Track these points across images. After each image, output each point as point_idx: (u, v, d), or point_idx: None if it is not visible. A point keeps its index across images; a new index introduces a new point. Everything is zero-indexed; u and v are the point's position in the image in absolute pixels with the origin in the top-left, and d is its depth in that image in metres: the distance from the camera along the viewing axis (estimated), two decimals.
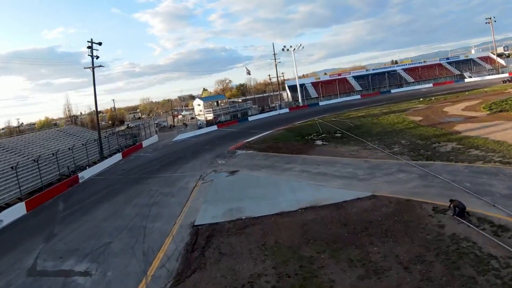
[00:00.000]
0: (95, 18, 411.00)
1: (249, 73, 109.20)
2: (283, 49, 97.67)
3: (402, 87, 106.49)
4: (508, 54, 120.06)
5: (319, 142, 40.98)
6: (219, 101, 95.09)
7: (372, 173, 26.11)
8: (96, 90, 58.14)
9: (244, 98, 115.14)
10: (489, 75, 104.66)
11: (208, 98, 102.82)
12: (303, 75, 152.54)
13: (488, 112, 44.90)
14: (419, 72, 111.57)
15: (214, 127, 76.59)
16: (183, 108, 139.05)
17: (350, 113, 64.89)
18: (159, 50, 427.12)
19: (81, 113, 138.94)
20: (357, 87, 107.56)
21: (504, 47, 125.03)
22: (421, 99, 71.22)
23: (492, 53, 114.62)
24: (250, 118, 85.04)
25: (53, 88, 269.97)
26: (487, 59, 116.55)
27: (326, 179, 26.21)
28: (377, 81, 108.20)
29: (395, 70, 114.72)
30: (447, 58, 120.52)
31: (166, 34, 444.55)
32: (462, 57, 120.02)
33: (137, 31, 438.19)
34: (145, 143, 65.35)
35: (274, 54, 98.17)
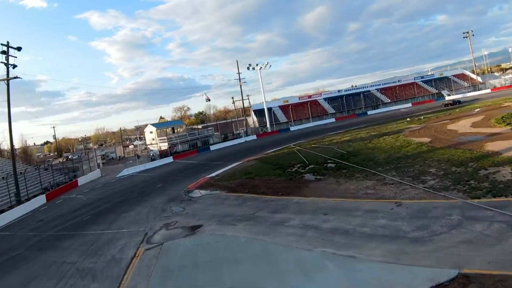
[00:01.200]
0: (51, 45, 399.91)
1: (208, 99, 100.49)
2: (248, 68, 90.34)
3: (378, 108, 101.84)
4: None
5: (310, 177, 31.60)
6: (176, 128, 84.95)
7: (425, 226, 16.71)
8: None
9: (205, 124, 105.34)
10: (468, 92, 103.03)
11: (162, 125, 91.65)
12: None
13: (508, 127, 38.76)
14: (396, 92, 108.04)
15: (170, 159, 66.97)
16: (137, 137, 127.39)
17: (331, 138, 57.12)
18: (116, 79, 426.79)
19: (34, 143, 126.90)
20: (330, 109, 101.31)
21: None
22: (408, 119, 65.75)
23: (472, 71, 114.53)
24: (212, 147, 75.91)
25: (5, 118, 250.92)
26: (462, 77, 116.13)
27: (354, 243, 16.52)
28: (351, 103, 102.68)
29: (369, 91, 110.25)
30: (422, 77, 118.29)
31: (124, 63, 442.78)
32: (437, 75, 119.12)
33: (94, 59, 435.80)
34: (82, 180, 54.66)
35: (239, 73, 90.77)
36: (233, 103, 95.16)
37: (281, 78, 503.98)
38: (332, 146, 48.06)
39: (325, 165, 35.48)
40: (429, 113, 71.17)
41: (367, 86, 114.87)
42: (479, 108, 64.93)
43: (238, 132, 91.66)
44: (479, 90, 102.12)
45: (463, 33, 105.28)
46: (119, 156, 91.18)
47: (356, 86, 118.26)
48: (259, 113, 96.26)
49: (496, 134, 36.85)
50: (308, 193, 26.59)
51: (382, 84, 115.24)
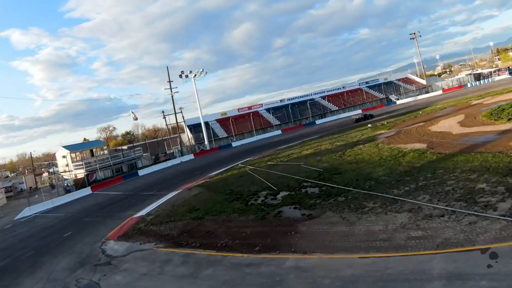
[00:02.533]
0: None
1: (135, 118, 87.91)
2: (180, 76, 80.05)
3: (326, 116, 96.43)
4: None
5: (292, 212, 21.64)
6: (95, 150, 71.56)
7: None
8: None
9: (131, 145, 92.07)
10: (418, 95, 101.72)
11: (78, 146, 75.76)
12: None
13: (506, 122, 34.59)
14: (344, 98, 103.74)
15: (87, 190, 54.51)
16: (50, 163, 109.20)
17: (288, 153, 48.60)
18: (40, 101, 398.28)
19: None
20: (274, 121, 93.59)
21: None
22: (369, 125, 59.71)
23: (416, 75, 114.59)
24: (141, 172, 64.47)
25: None
26: (406, 81, 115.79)
27: None
28: (297, 112, 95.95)
29: (313, 99, 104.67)
30: (367, 82, 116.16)
31: (48, 83, 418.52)
32: (381, 80, 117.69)
33: (16, 80, 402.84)
34: None
35: (170, 81, 79.70)
36: (164, 117, 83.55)
37: (210, 95, 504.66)
38: (294, 162, 39.13)
39: (303, 190, 26.11)
40: (389, 117, 66.63)
41: (311, 94, 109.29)
42: (443, 108, 61.53)
43: (171, 151, 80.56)
44: (429, 92, 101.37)
45: (410, 34, 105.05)
46: (30, 187, 75.78)
47: (299, 95, 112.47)
48: (195, 128, 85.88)
49: (509, 131, 30.78)
50: (305, 244, 16.53)
51: (327, 92, 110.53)
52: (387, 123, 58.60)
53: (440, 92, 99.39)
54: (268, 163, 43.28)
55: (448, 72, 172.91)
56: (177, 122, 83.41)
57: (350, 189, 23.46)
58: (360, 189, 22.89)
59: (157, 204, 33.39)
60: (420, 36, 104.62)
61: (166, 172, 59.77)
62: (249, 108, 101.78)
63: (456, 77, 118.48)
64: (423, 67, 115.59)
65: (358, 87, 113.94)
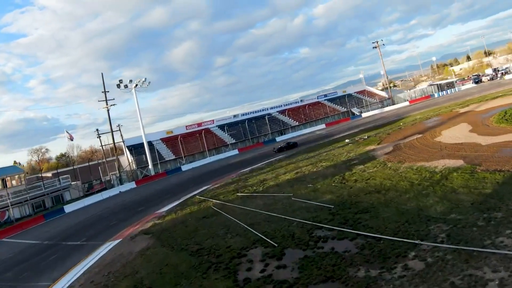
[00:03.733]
0: None
1: (71, 138, 73.54)
2: (118, 85, 67.96)
3: (286, 133, 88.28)
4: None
5: None
6: (8, 180, 57.54)
7: None
8: None
9: (56, 171, 76.44)
10: (383, 107, 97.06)
11: None
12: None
13: None
14: (304, 113, 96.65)
15: None
16: None
17: (259, 178, 39.13)
18: None
19: None
20: (228, 139, 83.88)
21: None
22: (347, 140, 52.57)
23: (383, 88, 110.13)
24: (68, 208, 51.27)
25: None
26: (365, 93, 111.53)
27: None
28: (254, 129, 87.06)
29: (270, 114, 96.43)
30: (326, 95, 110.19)
31: None
32: (340, 93, 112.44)
33: None
34: None
35: (105, 92, 67.43)
36: (98, 136, 70.66)
37: (151, 114, 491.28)
38: (277, 193, 29.72)
39: (324, 245, 16.57)
40: (361, 132, 59.52)
41: (268, 109, 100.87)
42: (428, 118, 56.14)
43: (108, 178, 67.87)
44: (394, 104, 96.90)
45: (372, 42, 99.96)
46: None
47: (254, 109, 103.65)
48: (136, 150, 73.97)
49: None
50: None
51: (284, 106, 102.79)
52: (368, 137, 51.20)
53: (406, 103, 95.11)
54: (238, 194, 33.40)
55: (392, 87, 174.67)
56: (114, 142, 70.14)
57: (416, 242, 14.37)
58: (434, 241, 13.93)
59: (84, 269, 22.28)
60: (384, 44, 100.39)
61: (101, 207, 47.50)
62: (199, 125, 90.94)
63: (418, 88, 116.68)
64: (386, 77, 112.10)
65: (317, 100, 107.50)
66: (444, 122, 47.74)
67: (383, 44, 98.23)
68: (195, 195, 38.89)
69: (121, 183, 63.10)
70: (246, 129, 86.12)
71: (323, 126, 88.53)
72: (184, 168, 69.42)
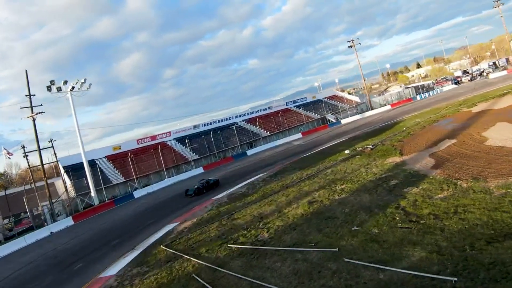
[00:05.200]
0: None
1: (9, 155, 57.16)
2: (49, 88, 51.51)
3: (257, 144, 76.87)
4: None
5: None
6: None
7: None
8: None
9: None
10: (361, 112, 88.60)
11: None
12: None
13: None
14: (276, 121, 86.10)
15: None
16: None
17: (253, 213, 27.78)
18: None
19: None
20: (189, 154, 71.14)
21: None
22: (347, 151, 42.77)
23: (350, 92, 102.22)
24: None
25: None
26: (335, 98, 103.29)
27: None
28: (220, 141, 74.92)
29: (235, 123, 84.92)
30: (295, 101, 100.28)
31: None
32: (310, 99, 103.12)
33: None
34: None
35: (30, 96, 51.82)
36: (25, 155, 54.78)
37: (99, 128, 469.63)
38: (301, 247, 18.62)
39: None
40: (354, 141, 50.74)
41: (232, 118, 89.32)
42: (436, 120, 48.47)
43: (38, 212, 52.36)
44: (372, 109, 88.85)
45: (348, 41, 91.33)
46: None
47: (218, 119, 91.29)
48: (75, 171, 59.06)
49: None
50: None
51: (251, 113, 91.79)
52: (374, 146, 41.56)
53: (388, 107, 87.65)
54: (230, 245, 21.71)
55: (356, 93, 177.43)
56: (42, 163, 54.06)
57: None
58: None
59: None
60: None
61: (22, 262, 32.70)
62: (153, 138, 76.92)
63: (392, 91, 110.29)
64: (364, 80, 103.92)
65: (285, 107, 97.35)
66: (469, 124, 40.07)
67: (359, 44, 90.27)
68: (157, 241, 26.99)
69: (54, 219, 48.64)
70: (211, 142, 73.71)
71: (299, 135, 78.38)
72: (138, 194, 55.78)
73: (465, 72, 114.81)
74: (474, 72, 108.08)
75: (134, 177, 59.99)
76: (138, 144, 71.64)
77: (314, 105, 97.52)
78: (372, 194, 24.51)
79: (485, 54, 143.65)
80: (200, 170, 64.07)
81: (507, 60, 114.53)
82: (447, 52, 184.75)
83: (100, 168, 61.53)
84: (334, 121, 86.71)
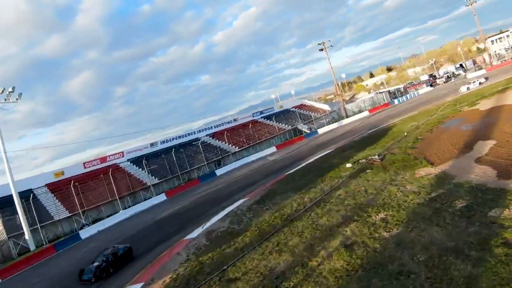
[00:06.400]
0: None
1: None
2: None
3: (227, 162, 67.73)
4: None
5: None
6: None
7: None
8: None
9: None
10: (336, 121, 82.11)
11: None
12: None
13: None
14: (245, 134, 77.80)
15: None
16: None
17: (260, 271, 19.69)
18: None
19: None
20: (148, 178, 60.05)
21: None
22: (348, 165, 35.13)
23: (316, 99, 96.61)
24: None
25: None
26: (304, 107, 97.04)
27: None
28: (183, 161, 65.20)
29: (198, 139, 75.95)
30: (261, 112, 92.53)
31: None
32: (277, 109, 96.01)
33: None
34: None
35: None
36: None
37: (49, 150, 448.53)
38: None
39: None
40: (350, 152, 43.12)
41: (195, 132, 79.78)
42: (441, 121, 42.92)
43: None
44: (347, 116, 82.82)
45: (318, 44, 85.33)
46: None
47: (178, 135, 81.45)
48: (6, 207, 47.23)
49: None
50: None
51: (215, 127, 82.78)
52: (379, 156, 34.12)
53: (366, 113, 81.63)
54: None
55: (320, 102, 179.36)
56: None
57: None
58: None
59: None
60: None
61: None
62: (103, 160, 64.79)
63: (364, 97, 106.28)
64: (337, 84, 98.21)
65: (252, 119, 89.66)
66: (491, 121, 34.73)
67: (322, 49, 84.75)
68: None
69: None
70: (173, 162, 63.87)
71: (273, 149, 70.20)
72: (86, 233, 44.75)
73: (431, 76, 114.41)
74: (444, 74, 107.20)
75: (80, 210, 49.49)
76: (85, 168, 60.56)
77: (283, 115, 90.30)
78: (441, 224, 16.74)
79: (440, 60, 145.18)
80: (162, 197, 54.14)
81: (474, 61, 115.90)
82: (397, 61, 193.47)
83: (39, 199, 50.66)
84: (309, 131, 79.82)
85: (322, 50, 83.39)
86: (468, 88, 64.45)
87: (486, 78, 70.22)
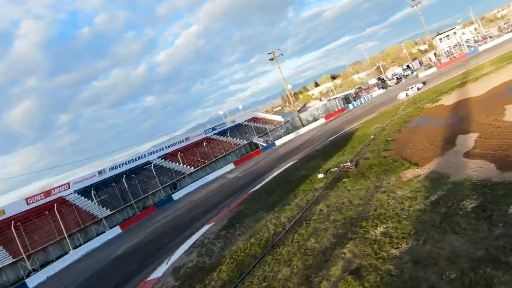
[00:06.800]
0: None
1: None
2: None
3: (183, 184, 63.66)
4: None
5: None
6: None
7: None
8: None
9: None
10: (293, 130, 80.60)
11: None
12: None
13: None
14: (199, 153, 73.93)
15: None
16: None
17: None
18: None
19: None
20: (99, 210, 54.20)
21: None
22: (319, 175, 32.43)
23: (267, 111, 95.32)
24: None
25: None
26: (257, 120, 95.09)
27: None
28: (135, 188, 60.27)
29: (149, 162, 71.39)
30: (213, 129, 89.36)
31: None
32: (229, 124, 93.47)
33: None
34: None
35: None
36: None
37: None
38: None
39: None
40: (303, 163, 42.05)
41: (145, 156, 75.21)
42: (401, 123, 40.39)
43: None
44: (304, 126, 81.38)
45: (268, 53, 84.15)
46: None
47: (126, 160, 75.98)
48: None
49: None
50: None
51: (166, 148, 78.37)
52: (352, 162, 31.53)
53: (322, 120, 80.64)
54: None
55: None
56: None
57: None
58: None
59: None
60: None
61: None
62: (47, 194, 57.88)
63: (317, 105, 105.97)
64: (290, 94, 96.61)
65: (205, 136, 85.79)
66: (465, 115, 32.55)
67: (276, 56, 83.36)
68: None
69: None
70: (125, 190, 58.54)
71: (231, 166, 66.86)
72: (33, 281, 38.91)
73: (380, 79, 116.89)
74: (394, 76, 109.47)
75: (25, 254, 43.86)
76: (28, 204, 54.46)
77: (237, 130, 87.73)
78: (458, 231, 14.02)
79: (384, 63, 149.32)
80: (116, 230, 49.38)
81: (420, 62, 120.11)
82: (341, 68, 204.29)
83: None
84: (265, 144, 77.44)
85: (272, 59, 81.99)
86: (407, 95, 64.28)
87: (424, 83, 71.03)
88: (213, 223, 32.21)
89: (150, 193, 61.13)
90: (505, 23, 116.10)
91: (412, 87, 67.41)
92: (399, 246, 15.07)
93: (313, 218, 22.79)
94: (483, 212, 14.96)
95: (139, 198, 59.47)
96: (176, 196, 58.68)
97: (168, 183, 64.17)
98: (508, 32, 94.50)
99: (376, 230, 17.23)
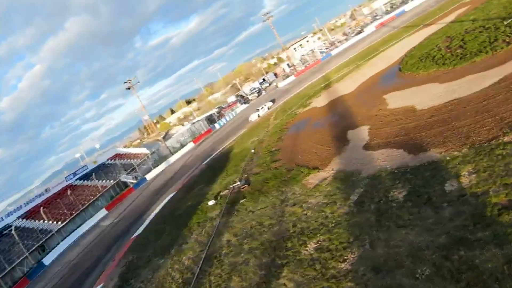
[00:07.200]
0: None
1: None
2: None
3: (52, 245, 54.66)
4: None
5: None
6: None
7: None
8: None
9: None
10: (163, 160, 76.56)
11: None
12: None
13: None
14: (65, 204, 64.86)
15: None
16: None
17: None
18: None
19: None
20: None
21: None
22: (210, 202, 30.51)
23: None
24: None
25: None
26: (120, 157, 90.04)
27: None
28: None
29: (8, 226, 59.71)
30: (74, 174, 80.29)
31: None
32: (91, 166, 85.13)
33: None
34: None
35: None
36: None
37: None
38: None
39: None
40: (182, 193, 40.61)
41: (2, 218, 62.41)
42: (278, 133, 41.52)
43: None
44: (173, 153, 78.25)
45: (125, 83, 78.50)
46: None
47: None
48: None
49: None
50: None
51: (25, 205, 67.29)
52: (242, 181, 29.85)
53: (191, 145, 79.12)
54: None
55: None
56: None
57: None
58: None
59: None
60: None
61: None
62: None
63: (183, 129, 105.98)
64: (154, 122, 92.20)
65: (67, 183, 76.20)
66: (346, 111, 33.34)
67: (133, 85, 79.04)
68: None
69: None
70: None
71: (103, 212, 60.08)
72: None
73: (239, 96, 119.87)
74: (253, 91, 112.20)
75: None
76: None
77: (101, 170, 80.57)
78: (404, 224, 12.98)
79: (239, 81, 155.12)
80: None
81: (275, 74, 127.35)
82: (195, 92, 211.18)
83: None
84: (135, 181, 72.29)
85: (129, 88, 77.67)
86: (258, 115, 65.23)
87: (273, 101, 72.56)
88: (102, 284, 27.52)
89: (16, 262, 51.07)
90: (349, 28, 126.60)
91: (263, 107, 68.09)
92: (345, 258, 13.42)
93: (224, 252, 20.22)
94: (418, 198, 14.20)
95: (5, 272, 49.26)
96: (47, 260, 50.12)
97: (36, 247, 55.20)
98: (353, 35, 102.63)
99: (307, 248, 15.38)
